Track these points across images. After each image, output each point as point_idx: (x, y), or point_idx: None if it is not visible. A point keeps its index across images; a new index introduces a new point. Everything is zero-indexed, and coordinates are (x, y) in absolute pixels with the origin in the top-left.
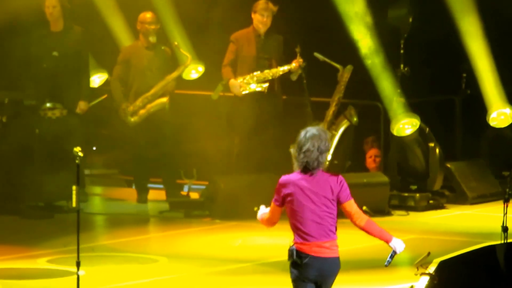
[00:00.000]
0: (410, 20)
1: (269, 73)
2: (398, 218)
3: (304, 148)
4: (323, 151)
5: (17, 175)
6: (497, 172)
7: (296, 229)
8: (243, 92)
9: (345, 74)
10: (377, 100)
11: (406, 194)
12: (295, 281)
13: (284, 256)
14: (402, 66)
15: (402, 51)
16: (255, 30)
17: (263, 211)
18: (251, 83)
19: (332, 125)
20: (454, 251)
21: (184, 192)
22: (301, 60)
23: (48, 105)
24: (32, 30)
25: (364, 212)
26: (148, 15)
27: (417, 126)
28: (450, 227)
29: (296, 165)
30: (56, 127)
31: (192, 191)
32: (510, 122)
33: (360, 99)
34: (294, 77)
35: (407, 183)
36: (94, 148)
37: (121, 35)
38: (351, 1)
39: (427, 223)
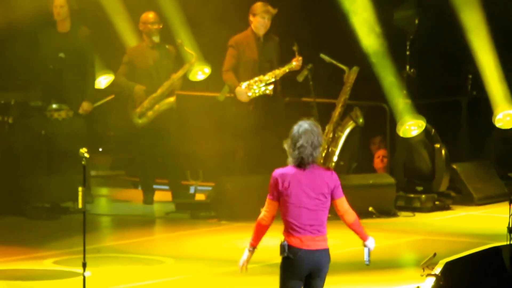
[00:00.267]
0: (416, 21)
1: (272, 75)
2: (404, 219)
3: (298, 144)
4: (316, 146)
5: (23, 176)
6: (503, 173)
7: (289, 223)
8: (250, 97)
9: (351, 75)
10: (383, 101)
11: (412, 195)
12: (284, 278)
13: None
14: (408, 67)
15: (408, 53)
16: (254, 33)
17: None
18: (256, 88)
19: (338, 126)
20: (460, 252)
21: (191, 193)
22: (300, 58)
23: (54, 106)
24: (38, 31)
25: (370, 213)
26: (150, 15)
27: (423, 128)
28: (456, 228)
29: (290, 160)
30: (62, 128)
31: (198, 192)
32: None
33: (366, 100)
34: (300, 78)
35: (413, 184)
36: (100, 149)
37: (128, 36)
38: (357, 3)
39: (433, 224)
